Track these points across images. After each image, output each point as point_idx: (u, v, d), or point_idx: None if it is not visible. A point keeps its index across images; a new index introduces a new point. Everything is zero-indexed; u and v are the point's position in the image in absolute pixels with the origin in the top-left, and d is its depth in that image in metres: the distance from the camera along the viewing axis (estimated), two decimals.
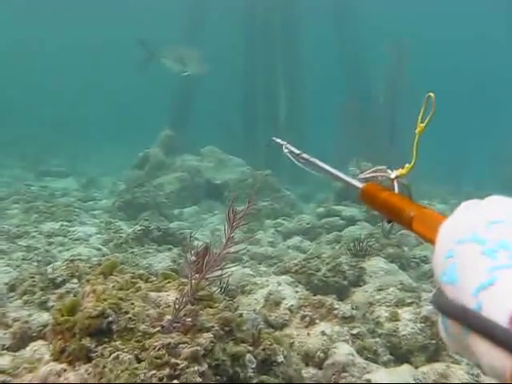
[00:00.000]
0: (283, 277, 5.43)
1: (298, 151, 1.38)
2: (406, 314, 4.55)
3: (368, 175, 1.10)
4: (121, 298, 2.85)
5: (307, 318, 4.30)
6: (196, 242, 8.08)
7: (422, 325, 4.40)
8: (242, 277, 5.70)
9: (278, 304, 4.68)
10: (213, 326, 2.88)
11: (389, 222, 0.94)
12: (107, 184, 15.63)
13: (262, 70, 18.65)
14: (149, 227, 8.20)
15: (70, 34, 39.35)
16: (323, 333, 4.09)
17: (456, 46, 38.59)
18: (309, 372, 3.81)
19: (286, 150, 1.44)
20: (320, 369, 3.85)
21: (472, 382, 3.53)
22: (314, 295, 4.77)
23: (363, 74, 17.79)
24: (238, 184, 12.59)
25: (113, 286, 3.06)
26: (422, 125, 1.01)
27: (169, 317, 2.87)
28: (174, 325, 2.83)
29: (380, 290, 5.16)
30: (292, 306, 4.54)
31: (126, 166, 15.65)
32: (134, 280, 3.28)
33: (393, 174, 1.03)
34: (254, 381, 2.88)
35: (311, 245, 8.36)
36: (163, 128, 15.60)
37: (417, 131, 1.02)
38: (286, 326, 4.41)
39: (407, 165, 1.03)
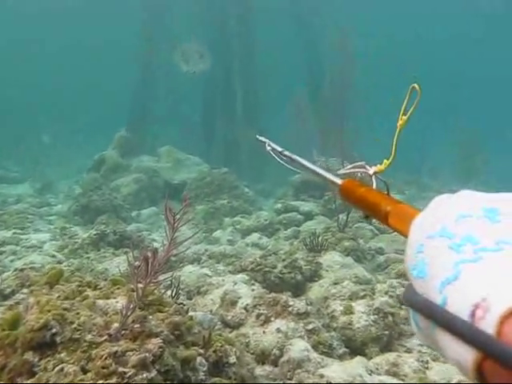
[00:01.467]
0: (239, 275, 5.43)
1: (280, 148, 1.38)
2: (359, 306, 4.61)
3: (347, 171, 1.09)
4: (66, 308, 2.78)
5: (262, 317, 4.31)
6: (154, 244, 8.03)
7: (376, 316, 4.47)
8: (199, 277, 5.67)
9: (234, 303, 4.68)
10: (162, 331, 2.86)
11: (366, 217, 0.94)
12: (63, 188, 15.29)
13: (219, 69, 18.60)
14: (105, 231, 8.07)
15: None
16: (278, 330, 4.11)
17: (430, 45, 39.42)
18: (265, 370, 3.82)
19: (268, 148, 1.43)
20: (276, 366, 3.87)
21: (421, 368, 3.61)
22: (270, 293, 4.78)
23: (318, 67, 17.94)
24: (196, 183, 12.52)
25: (58, 296, 3.00)
26: (405, 117, 0.99)
27: (116, 324, 2.82)
28: (122, 332, 2.79)
29: (335, 283, 5.22)
30: (247, 305, 4.54)
31: (83, 170, 15.36)
32: (81, 288, 3.22)
33: (371, 170, 1.03)
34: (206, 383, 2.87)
35: (269, 241, 8.39)
36: (119, 129, 15.39)
37: (398, 124, 1.00)
38: (242, 325, 4.41)
39: (385, 160, 1.03)
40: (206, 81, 18.94)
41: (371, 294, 4.86)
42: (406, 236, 0.67)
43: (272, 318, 4.29)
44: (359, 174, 1.05)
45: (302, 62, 19.57)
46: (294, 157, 1.30)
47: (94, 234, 8.00)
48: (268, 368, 3.86)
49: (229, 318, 4.55)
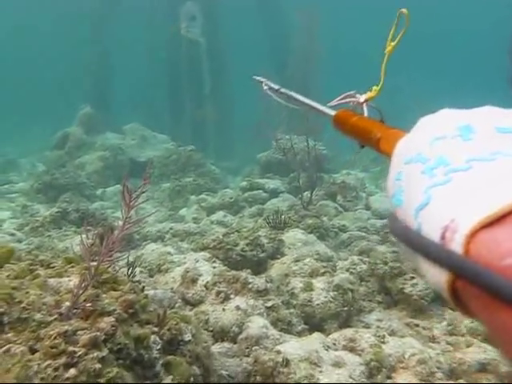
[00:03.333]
0: (201, 253, 5.40)
1: (277, 87, 1.40)
2: (319, 283, 4.65)
3: (339, 102, 1.08)
4: (14, 288, 2.72)
5: (222, 294, 4.31)
6: (117, 222, 7.92)
7: (335, 293, 4.51)
8: (161, 255, 5.63)
9: (194, 281, 4.66)
10: (115, 310, 2.81)
11: (362, 146, 0.92)
12: (26, 166, 14.95)
13: (185, 46, 18.31)
14: (67, 209, 7.93)
15: None
16: (238, 307, 4.11)
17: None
18: (223, 347, 3.82)
19: (265, 87, 1.46)
20: (235, 343, 3.88)
21: (377, 343, 3.66)
22: (231, 270, 4.78)
23: (284, 46, 17.80)
24: (162, 161, 12.38)
25: (7, 276, 2.92)
26: (393, 43, 0.98)
27: (68, 303, 2.77)
28: (74, 311, 2.74)
29: (297, 261, 5.24)
30: (208, 282, 4.53)
31: (46, 147, 15.01)
32: (32, 267, 3.14)
33: (361, 98, 1.03)
34: (160, 361, 2.85)
35: (234, 219, 8.37)
36: (83, 106, 15.04)
37: (386, 51, 0.99)
38: (202, 302, 4.40)
39: (375, 87, 1.01)
40: (171, 60, 18.65)
41: (331, 271, 4.89)
42: None
43: (232, 296, 4.29)
44: (351, 104, 1.04)
45: (268, 41, 19.44)
46: (290, 93, 1.32)
47: (56, 212, 7.85)
48: (227, 345, 3.87)
49: (189, 295, 4.54)
